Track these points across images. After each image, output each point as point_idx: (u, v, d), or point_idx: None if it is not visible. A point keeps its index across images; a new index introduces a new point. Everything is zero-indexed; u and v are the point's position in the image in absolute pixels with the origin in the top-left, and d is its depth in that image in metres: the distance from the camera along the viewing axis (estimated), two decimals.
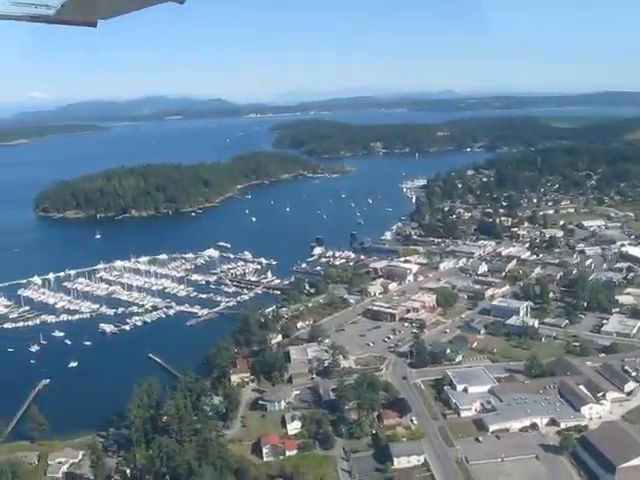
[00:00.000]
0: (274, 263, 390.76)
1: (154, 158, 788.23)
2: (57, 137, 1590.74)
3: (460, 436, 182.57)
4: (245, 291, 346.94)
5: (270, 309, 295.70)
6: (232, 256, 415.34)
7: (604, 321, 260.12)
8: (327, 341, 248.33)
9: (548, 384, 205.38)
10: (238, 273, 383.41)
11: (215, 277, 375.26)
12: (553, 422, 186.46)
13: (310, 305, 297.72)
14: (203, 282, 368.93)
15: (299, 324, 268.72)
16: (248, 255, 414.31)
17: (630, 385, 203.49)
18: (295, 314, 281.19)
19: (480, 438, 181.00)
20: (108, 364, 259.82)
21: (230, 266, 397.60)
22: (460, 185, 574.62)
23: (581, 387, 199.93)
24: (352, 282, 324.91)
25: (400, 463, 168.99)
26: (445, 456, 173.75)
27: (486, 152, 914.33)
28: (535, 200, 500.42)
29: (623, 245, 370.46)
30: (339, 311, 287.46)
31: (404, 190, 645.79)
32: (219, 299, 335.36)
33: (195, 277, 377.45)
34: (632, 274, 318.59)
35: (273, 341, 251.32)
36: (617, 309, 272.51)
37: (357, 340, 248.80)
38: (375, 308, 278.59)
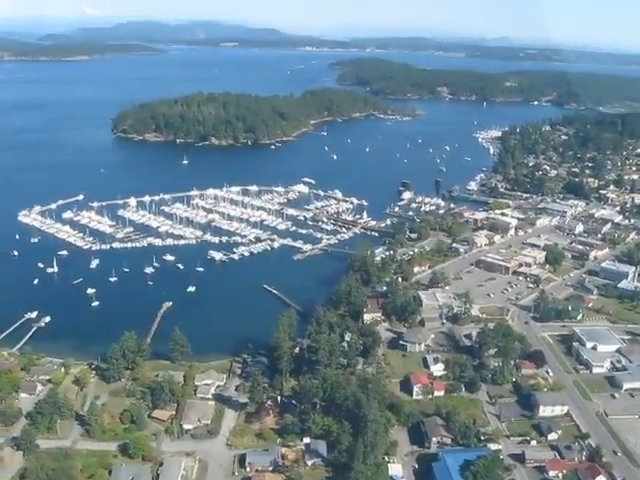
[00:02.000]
0: (366, 204, 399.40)
1: (219, 85, 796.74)
2: (116, 56, 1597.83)
3: (595, 391, 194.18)
4: (344, 230, 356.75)
5: (379, 250, 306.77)
6: (322, 193, 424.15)
7: None
8: (447, 288, 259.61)
9: None
10: (332, 211, 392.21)
11: (311, 213, 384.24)
12: None
13: (416, 251, 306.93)
14: (301, 217, 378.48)
15: (415, 269, 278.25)
16: (339, 194, 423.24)
17: None
18: (408, 258, 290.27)
19: (615, 395, 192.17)
20: (224, 291, 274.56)
21: (323, 203, 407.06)
22: (537, 140, 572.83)
23: None
24: (453, 231, 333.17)
25: (545, 412, 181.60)
26: (585, 408, 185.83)
27: (553, 107, 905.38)
28: (619, 163, 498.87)
29: None
30: (450, 259, 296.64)
31: (479, 140, 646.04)
32: (319, 236, 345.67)
33: (290, 211, 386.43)
34: None
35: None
36: None
37: (476, 290, 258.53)
38: (488, 259, 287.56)
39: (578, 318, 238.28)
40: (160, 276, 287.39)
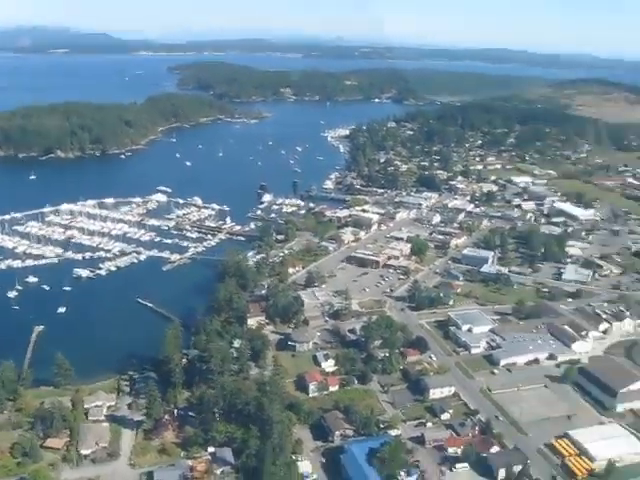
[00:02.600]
0: (227, 209, 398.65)
1: (56, 94, 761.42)
2: None
3: (477, 370, 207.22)
4: (209, 237, 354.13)
5: (249, 254, 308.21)
6: (181, 201, 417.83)
7: (562, 270, 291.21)
8: (324, 286, 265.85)
9: (537, 324, 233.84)
10: (195, 219, 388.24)
11: (173, 222, 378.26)
12: (551, 357, 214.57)
13: (286, 252, 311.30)
14: (164, 227, 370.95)
15: (290, 270, 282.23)
16: (199, 201, 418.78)
17: (604, 325, 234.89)
18: (280, 260, 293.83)
19: (495, 371, 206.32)
20: (97, 309, 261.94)
21: (184, 211, 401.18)
22: (386, 137, 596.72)
23: (566, 327, 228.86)
24: (318, 230, 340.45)
25: (435, 394, 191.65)
26: (470, 387, 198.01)
27: (394, 104, 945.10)
28: (463, 155, 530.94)
29: (554, 201, 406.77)
30: (321, 258, 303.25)
31: (328, 139, 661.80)
32: (185, 244, 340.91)
33: (152, 222, 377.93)
34: (570, 228, 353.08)
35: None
36: (569, 259, 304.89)
37: (352, 285, 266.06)
38: (359, 255, 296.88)
39: (450, 303, 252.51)
40: (25, 299, 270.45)
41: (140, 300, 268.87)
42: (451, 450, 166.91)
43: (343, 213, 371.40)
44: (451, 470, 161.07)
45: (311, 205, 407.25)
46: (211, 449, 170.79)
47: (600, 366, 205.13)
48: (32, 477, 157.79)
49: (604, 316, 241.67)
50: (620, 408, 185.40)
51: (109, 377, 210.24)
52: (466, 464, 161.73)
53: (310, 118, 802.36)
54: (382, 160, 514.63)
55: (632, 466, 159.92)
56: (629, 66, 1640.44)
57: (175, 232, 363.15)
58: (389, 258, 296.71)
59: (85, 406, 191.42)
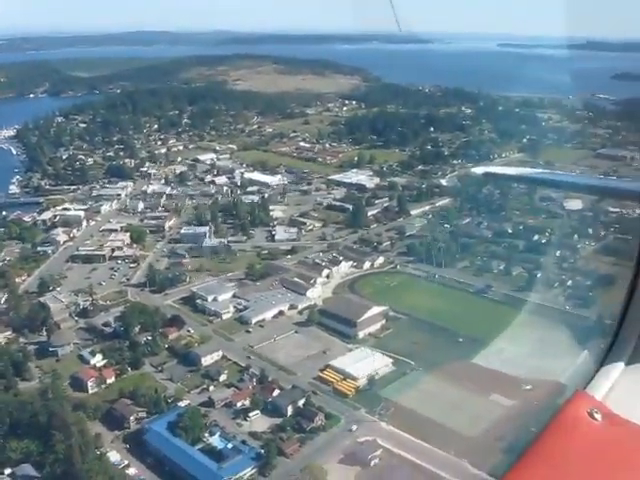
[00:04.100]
0: None
1: None
2: None
3: (233, 332, 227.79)
4: None
5: None
6: None
7: (273, 232, 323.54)
8: (59, 289, 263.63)
9: (272, 282, 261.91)
10: None
11: None
12: (292, 307, 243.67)
13: (1, 263, 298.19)
14: None
15: (17, 279, 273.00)
16: None
17: (325, 271, 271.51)
18: (1, 272, 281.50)
19: (250, 329, 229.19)
20: None
21: None
22: (60, 133, 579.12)
23: (296, 279, 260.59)
24: (25, 236, 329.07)
25: (206, 361, 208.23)
26: (232, 348, 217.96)
27: (50, 98, 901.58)
28: (144, 141, 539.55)
29: (242, 173, 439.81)
30: (42, 263, 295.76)
31: None
32: None
33: None
34: (265, 194, 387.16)
35: (2, 300, 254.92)
36: (275, 222, 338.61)
37: (86, 282, 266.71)
38: (82, 253, 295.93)
39: (187, 280, 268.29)
40: None
41: None
42: (239, 404, 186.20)
43: (47, 215, 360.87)
44: (246, 420, 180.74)
45: (4, 213, 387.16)
46: (8, 470, 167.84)
47: (335, 305, 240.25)
48: None
49: (323, 264, 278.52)
50: (361, 335, 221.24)
51: None
52: (257, 411, 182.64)
53: None
54: (64, 157, 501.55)
55: (386, 376, 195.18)
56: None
57: None
58: (113, 250, 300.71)
59: None
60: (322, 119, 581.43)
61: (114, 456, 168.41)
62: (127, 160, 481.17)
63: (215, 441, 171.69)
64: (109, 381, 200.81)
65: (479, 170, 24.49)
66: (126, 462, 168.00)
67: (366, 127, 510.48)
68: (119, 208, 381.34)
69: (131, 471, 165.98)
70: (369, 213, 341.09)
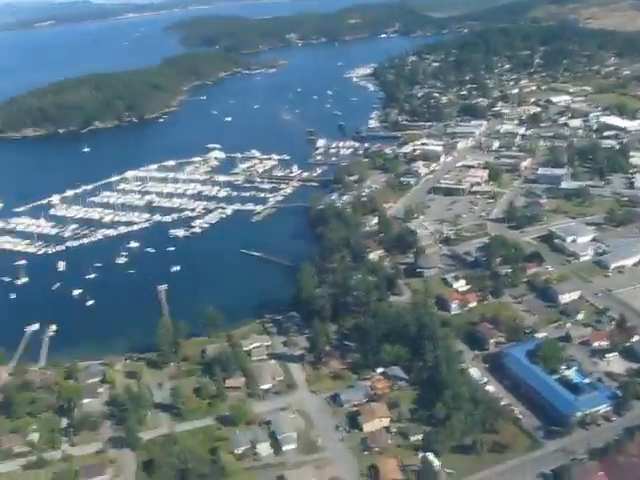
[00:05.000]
0: (288, 158, 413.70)
1: (71, 67, 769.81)
2: None
3: (591, 275, 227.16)
4: (282, 186, 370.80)
5: (333, 197, 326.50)
6: (240, 155, 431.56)
7: (632, 180, 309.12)
8: (422, 217, 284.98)
9: (632, 230, 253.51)
10: (261, 170, 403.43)
11: (242, 176, 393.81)
12: None
13: (367, 191, 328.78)
14: (238, 181, 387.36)
15: (385, 205, 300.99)
16: (257, 153, 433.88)
17: None
18: (369, 199, 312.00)
19: (608, 274, 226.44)
20: (208, 264, 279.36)
21: (248, 165, 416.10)
22: (414, 71, 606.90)
23: None
24: (389, 167, 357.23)
25: (564, 299, 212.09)
26: (591, 289, 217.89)
27: (400, 37, 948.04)
28: (497, 81, 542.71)
29: (598, 116, 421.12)
30: (406, 192, 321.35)
31: (353, 79, 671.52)
32: (263, 195, 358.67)
33: (221, 178, 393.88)
34: (623, 140, 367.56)
35: (372, 222, 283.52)
36: (634, 169, 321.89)
37: (447, 213, 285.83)
38: (443, 185, 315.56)
39: (544, 220, 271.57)
40: (136, 263, 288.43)
41: (244, 250, 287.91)
42: (596, 344, 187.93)
43: (407, 148, 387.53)
44: (602, 359, 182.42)
45: (366, 145, 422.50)
46: (380, 369, 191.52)
47: None
48: (233, 413, 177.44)
49: None
50: None
51: (249, 322, 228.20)
52: (616, 353, 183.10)
53: (325, 61, 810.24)
54: (420, 94, 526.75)
55: None
56: None
57: (247, 185, 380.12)
58: (472, 185, 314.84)
59: (244, 349, 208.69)
60: None
61: (475, 372, 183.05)
62: (480, 99, 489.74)
63: (571, 374, 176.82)
64: (471, 305, 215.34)
65: None
66: (485, 379, 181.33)
67: None
68: (474, 145, 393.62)
69: (489, 388, 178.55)
70: None
